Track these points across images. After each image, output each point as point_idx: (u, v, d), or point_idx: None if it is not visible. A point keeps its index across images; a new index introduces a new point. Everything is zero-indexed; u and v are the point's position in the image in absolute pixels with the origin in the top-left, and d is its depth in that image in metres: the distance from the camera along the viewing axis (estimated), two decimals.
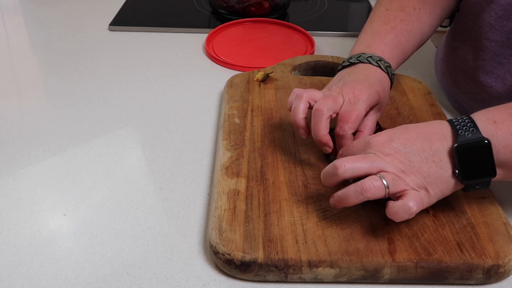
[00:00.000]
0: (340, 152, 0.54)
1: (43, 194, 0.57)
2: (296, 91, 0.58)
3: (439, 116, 0.67)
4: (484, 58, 0.65)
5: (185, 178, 0.60)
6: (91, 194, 0.57)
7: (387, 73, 0.61)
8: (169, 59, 0.87)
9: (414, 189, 0.47)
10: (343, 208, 0.52)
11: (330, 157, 0.59)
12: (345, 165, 0.47)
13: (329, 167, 0.48)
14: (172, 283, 0.47)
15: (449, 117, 0.70)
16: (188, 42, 0.92)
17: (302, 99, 0.56)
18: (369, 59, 0.61)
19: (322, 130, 0.54)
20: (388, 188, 0.46)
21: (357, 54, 0.62)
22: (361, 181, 0.46)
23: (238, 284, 0.48)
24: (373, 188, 0.46)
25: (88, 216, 0.54)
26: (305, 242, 0.48)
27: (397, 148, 0.48)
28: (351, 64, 0.62)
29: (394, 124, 0.65)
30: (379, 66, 0.61)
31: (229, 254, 0.47)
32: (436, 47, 0.86)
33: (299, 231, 0.49)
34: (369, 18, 0.70)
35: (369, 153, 0.48)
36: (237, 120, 0.65)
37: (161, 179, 0.60)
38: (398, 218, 0.46)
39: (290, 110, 0.57)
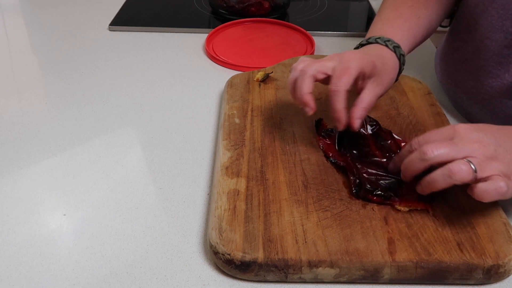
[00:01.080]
0: (420, 138, 0.51)
1: (43, 194, 0.57)
2: (293, 65, 0.58)
3: (439, 116, 0.67)
4: (484, 57, 0.65)
5: (185, 178, 0.60)
6: (91, 194, 0.57)
7: (395, 53, 0.62)
8: (169, 59, 0.87)
9: (499, 176, 0.46)
10: (343, 208, 0.52)
11: (330, 157, 0.59)
12: (433, 150, 0.47)
13: (414, 153, 0.49)
14: (172, 283, 0.47)
15: (449, 117, 0.70)
16: (188, 42, 0.92)
17: (296, 70, 0.57)
18: (377, 40, 0.62)
19: (303, 88, 0.55)
20: (476, 172, 0.46)
21: (367, 38, 0.64)
22: (449, 164, 0.46)
23: (238, 284, 0.48)
24: (461, 171, 0.45)
25: (88, 216, 0.54)
26: (305, 242, 0.48)
27: (482, 137, 0.48)
28: (361, 45, 0.64)
29: (394, 124, 0.66)
30: (386, 46, 0.62)
31: (229, 254, 0.47)
32: (436, 47, 0.86)
33: (299, 231, 0.49)
34: (379, 9, 0.71)
35: (455, 137, 0.49)
36: (237, 120, 0.65)
37: (161, 179, 0.60)
38: (488, 198, 0.46)
39: (292, 87, 0.58)
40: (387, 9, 0.69)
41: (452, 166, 0.46)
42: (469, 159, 0.46)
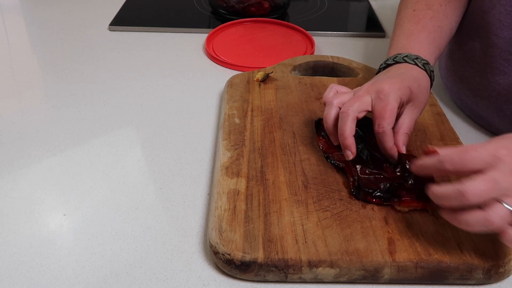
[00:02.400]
0: (454, 157, 0.45)
1: (43, 194, 0.57)
2: (327, 98, 0.57)
3: (439, 116, 0.67)
4: (492, 54, 0.65)
5: (185, 178, 0.60)
6: (91, 194, 0.57)
7: (425, 70, 0.60)
8: (169, 59, 0.87)
9: None
10: (343, 208, 0.52)
11: (330, 158, 0.59)
12: (474, 196, 0.42)
13: (450, 188, 0.44)
14: (172, 283, 0.47)
15: (449, 117, 0.70)
16: (188, 42, 0.92)
17: (332, 106, 0.56)
18: (405, 58, 0.61)
19: (347, 131, 0.54)
20: None
21: (393, 56, 0.62)
22: (488, 214, 0.42)
23: (238, 284, 0.48)
24: (500, 220, 0.42)
25: (88, 216, 0.54)
26: (305, 242, 0.48)
27: None
28: (388, 65, 0.62)
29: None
30: (416, 64, 0.60)
31: (229, 254, 0.47)
32: None
33: (299, 231, 0.49)
34: (397, 21, 0.69)
35: (495, 169, 0.43)
36: (237, 120, 0.65)
37: (161, 179, 0.60)
38: None
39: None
40: (408, 21, 0.67)
41: (491, 216, 0.42)
42: (504, 200, 0.43)
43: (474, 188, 0.42)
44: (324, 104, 0.58)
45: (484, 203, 0.43)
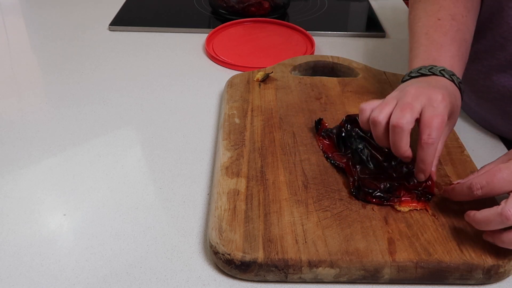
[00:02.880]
0: (482, 182, 0.47)
1: (43, 194, 0.57)
2: (374, 118, 0.52)
3: None
4: (498, 57, 0.64)
5: (185, 178, 0.60)
6: (91, 194, 0.57)
7: (459, 89, 0.57)
8: (169, 59, 0.87)
9: None
10: (343, 208, 0.52)
11: (330, 158, 0.59)
12: None
13: (491, 213, 0.45)
14: (172, 283, 0.47)
15: None
16: (188, 42, 0.92)
17: (380, 124, 0.52)
18: (442, 72, 0.56)
19: (403, 147, 0.50)
20: None
21: (428, 66, 0.58)
22: None
23: (238, 284, 0.48)
24: None
25: (88, 216, 0.54)
26: (305, 242, 0.48)
27: None
28: (422, 75, 0.57)
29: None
30: (453, 81, 0.56)
31: (229, 254, 0.47)
32: None
33: (299, 231, 0.49)
34: (418, 28, 0.64)
35: None
36: (237, 120, 0.65)
37: (161, 179, 0.60)
38: None
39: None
40: (434, 30, 0.62)
41: None
42: None
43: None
44: (370, 122, 0.53)
45: None
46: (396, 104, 0.52)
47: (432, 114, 0.49)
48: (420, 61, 0.60)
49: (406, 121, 0.49)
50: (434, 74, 0.56)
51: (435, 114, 0.49)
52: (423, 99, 0.51)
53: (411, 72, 0.59)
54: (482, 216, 0.46)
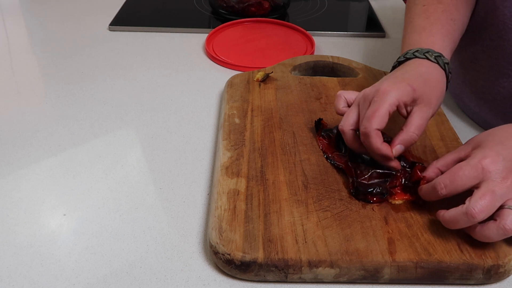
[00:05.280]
0: (445, 182, 0.48)
1: (43, 194, 0.57)
2: (342, 122, 0.56)
3: (439, 116, 0.67)
4: (496, 57, 0.64)
5: (185, 178, 0.60)
6: (91, 194, 0.57)
7: (438, 63, 0.57)
8: (169, 59, 0.87)
9: None
10: (343, 208, 0.52)
11: (329, 158, 0.59)
12: (481, 212, 0.45)
13: (457, 212, 0.47)
14: (172, 283, 0.47)
15: (449, 117, 0.70)
16: (188, 42, 0.92)
17: (347, 132, 0.55)
18: (415, 53, 0.58)
19: (377, 148, 0.52)
20: None
21: (404, 53, 0.60)
22: (503, 222, 0.45)
23: (238, 284, 0.48)
24: None
25: (88, 216, 0.54)
26: (305, 242, 0.48)
27: (510, 167, 0.47)
28: (399, 63, 0.60)
29: (394, 123, 0.65)
30: (427, 58, 0.57)
31: (229, 254, 0.47)
32: None
33: (299, 231, 0.49)
34: (406, 19, 0.67)
35: (487, 180, 0.47)
36: (237, 120, 0.65)
37: (161, 179, 0.60)
38: None
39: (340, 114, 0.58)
40: (418, 16, 0.64)
41: (506, 223, 0.45)
42: (509, 204, 0.46)
43: (479, 206, 0.45)
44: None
45: (491, 214, 0.46)
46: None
47: (371, 108, 0.52)
48: (403, 49, 0.62)
49: (370, 126, 0.52)
50: (408, 58, 0.58)
51: (373, 108, 0.52)
52: (372, 96, 0.54)
53: (393, 64, 0.61)
54: (450, 216, 0.48)
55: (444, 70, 0.58)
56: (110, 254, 0.50)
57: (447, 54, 0.60)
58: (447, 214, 0.48)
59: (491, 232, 0.46)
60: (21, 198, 0.57)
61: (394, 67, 0.61)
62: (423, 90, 0.54)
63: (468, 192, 0.48)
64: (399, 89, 0.53)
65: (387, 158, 0.53)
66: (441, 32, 0.61)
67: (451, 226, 0.48)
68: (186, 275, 0.48)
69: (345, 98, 0.58)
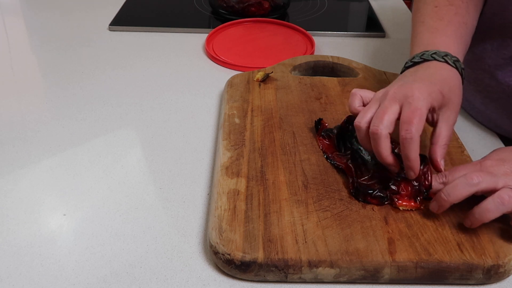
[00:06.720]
0: (450, 171, 0.51)
1: (43, 194, 0.57)
2: (356, 121, 0.53)
3: None
4: (503, 56, 0.64)
5: (185, 178, 0.60)
6: (91, 194, 0.57)
7: (456, 68, 0.56)
8: (169, 59, 0.87)
9: None
10: (343, 208, 0.52)
11: (329, 158, 0.59)
12: (478, 177, 0.47)
13: (459, 180, 0.48)
14: (172, 283, 0.47)
15: None
16: (188, 42, 0.92)
17: (361, 128, 0.53)
18: (434, 55, 0.56)
19: (383, 152, 0.51)
20: None
21: (420, 53, 0.58)
22: (498, 192, 0.47)
23: (238, 284, 0.48)
24: (510, 198, 0.46)
25: (88, 216, 0.54)
26: (305, 242, 0.48)
27: (510, 168, 0.50)
28: (415, 64, 0.58)
29: (396, 124, 0.65)
30: (446, 62, 0.56)
31: (229, 254, 0.47)
32: None
33: (299, 231, 0.49)
34: (416, 18, 0.65)
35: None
36: (237, 120, 0.65)
37: (161, 179, 0.60)
38: None
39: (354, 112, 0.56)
40: (431, 17, 0.62)
41: (502, 193, 0.46)
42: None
43: (477, 174, 0.48)
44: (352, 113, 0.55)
45: (490, 190, 0.48)
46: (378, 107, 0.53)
47: (408, 111, 0.50)
48: (416, 49, 0.60)
49: (383, 126, 0.50)
50: (426, 60, 0.57)
51: (410, 109, 0.50)
52: (401, 97, 0.51)
53: (406, 62, 0.59)
54: (451, 186, 0.49)
55: (461, 75, 0.57)
56: (110, 254, 0.50)
57: (460, 57, 0.59)
58: (451, 184, 0.48)
59: (488, 203, 0.47)
60: (21, 198, 0.57)
61: (407, 67, 0.59)
62: (449, 96, 0.53)
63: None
64: (431, 95, 0.51)
65: (414, 170, 0.51)
66: (455, 35, 0.60)
67: (449, 194, 0.48)
68: (186, 275, 0.48)
69: (360, 97, 0.56)
